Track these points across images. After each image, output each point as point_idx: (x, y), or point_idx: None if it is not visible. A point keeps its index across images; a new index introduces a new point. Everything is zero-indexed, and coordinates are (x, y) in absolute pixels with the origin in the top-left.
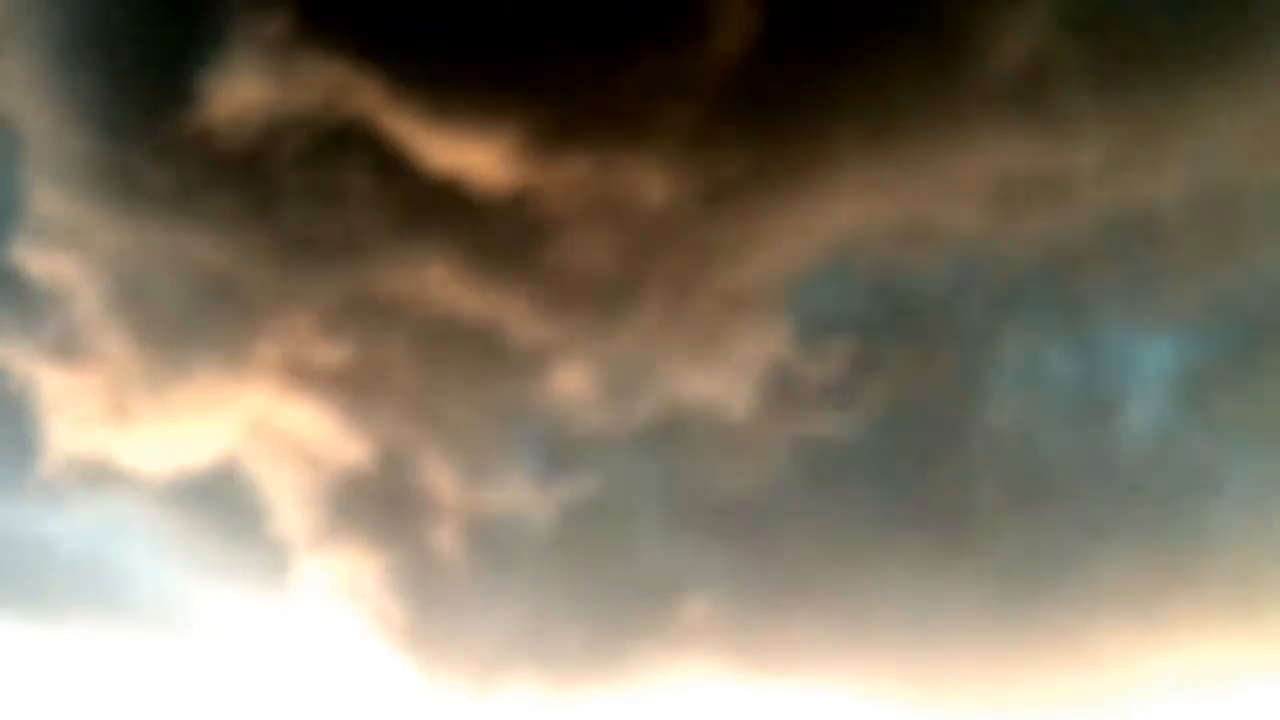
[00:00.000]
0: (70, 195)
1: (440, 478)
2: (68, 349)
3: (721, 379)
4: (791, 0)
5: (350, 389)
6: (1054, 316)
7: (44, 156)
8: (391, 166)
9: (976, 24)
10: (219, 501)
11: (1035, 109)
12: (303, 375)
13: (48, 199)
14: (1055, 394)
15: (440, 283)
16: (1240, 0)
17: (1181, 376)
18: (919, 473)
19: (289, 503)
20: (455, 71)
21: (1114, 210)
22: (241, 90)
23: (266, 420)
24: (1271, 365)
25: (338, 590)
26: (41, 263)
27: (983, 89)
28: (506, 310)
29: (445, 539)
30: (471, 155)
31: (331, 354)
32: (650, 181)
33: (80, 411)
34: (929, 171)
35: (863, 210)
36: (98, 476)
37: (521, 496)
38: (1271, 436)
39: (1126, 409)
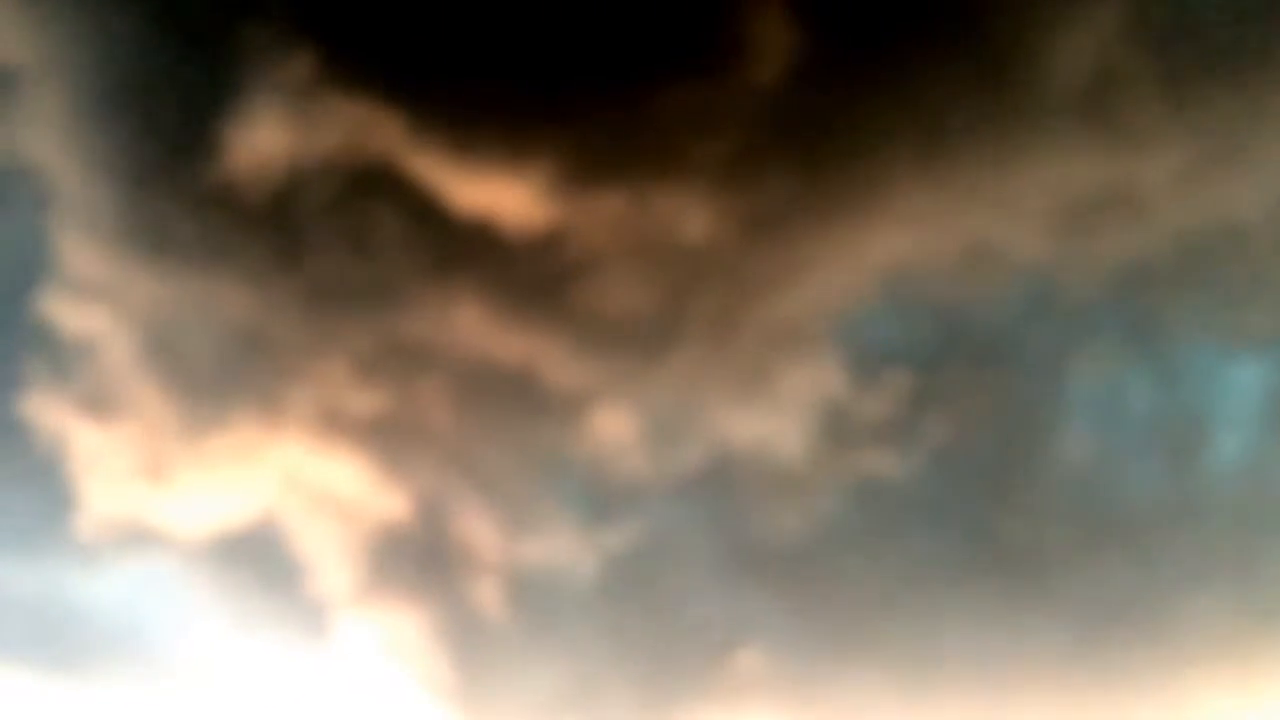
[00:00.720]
0: (98, 248)
1: (480, 529)
2: (99, 404)
3: (770, 419)
4: (834, 20)
5: (385, 439)
6: (1130, 343)
7: (71, 208)
8: (420, 209)
9: (1035, 37)
10: (256, 559)
11: (1103, 122)
12: (337, 426)
13: (76, 251)
14: (1134, 426)
15: (474, 327)
16: None
17: (1272, 402)
18: (986, 514)
19: (327, 558)
20: (482, 109)
21: (1192, 226)
22: (266, 138)
23: (302, 474)
24: None
25: (380, 648)
26: (71, 316)
27: (1045, 104)
28: (543, 354)
29: (487, 592)
30: (501, 194)
31: (365, 403)
32: (689, 215)
33: (114, 469)
34: (989, 193)
35: (918, 236)
36: (133, 536)
37: (564, 547)
38: None
39: (1213, 439)
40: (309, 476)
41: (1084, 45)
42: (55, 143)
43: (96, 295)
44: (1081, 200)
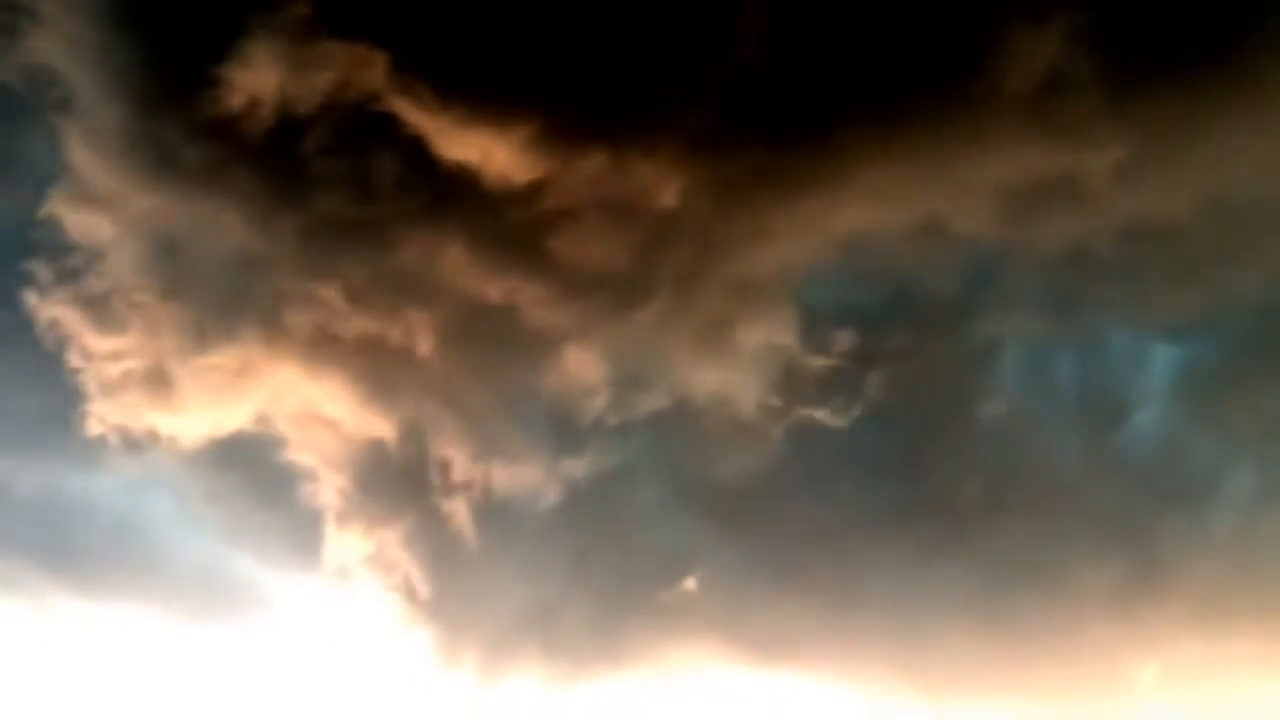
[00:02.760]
0: (107, 160)
1: (455, 454)
2: (103, 308)
3: (726, 369)
4: (809, 8)
5: (372, 366)
6: (1061, 320)
7: (84, 119)
8: (410, 153)
9: (992, 36)
10: (249, 468)
11: (1050, 117)
12: (329, 349)
13: (86, 160)
14: (1058, 397)
15: (458, 267)
16: (1251, 15)
17: (1185, 382)
18: (915, 468)
19: (316, 471)
20: (474, 66)
21: (1126, 217)
22: (266, 75)
23: (295, 391)
24: (1275, 367)
25: (361, 557)
26: (78, 219)
27: (998, 97)
28: (521, 295)
29: (460, 513)
30: (486, 147)
31: (356, 330)
32: (663, 178)
33: (116, 373)
34: (943, 174)
35: (874, 209)
36: (133, 439)
37: (531, 475)
38: (1272, 440)
39: (1129, 415)
40: (301, 394)
41: (1036, 47)
42: (73, 55)
43: (103, 204)
44: (1027, 186)
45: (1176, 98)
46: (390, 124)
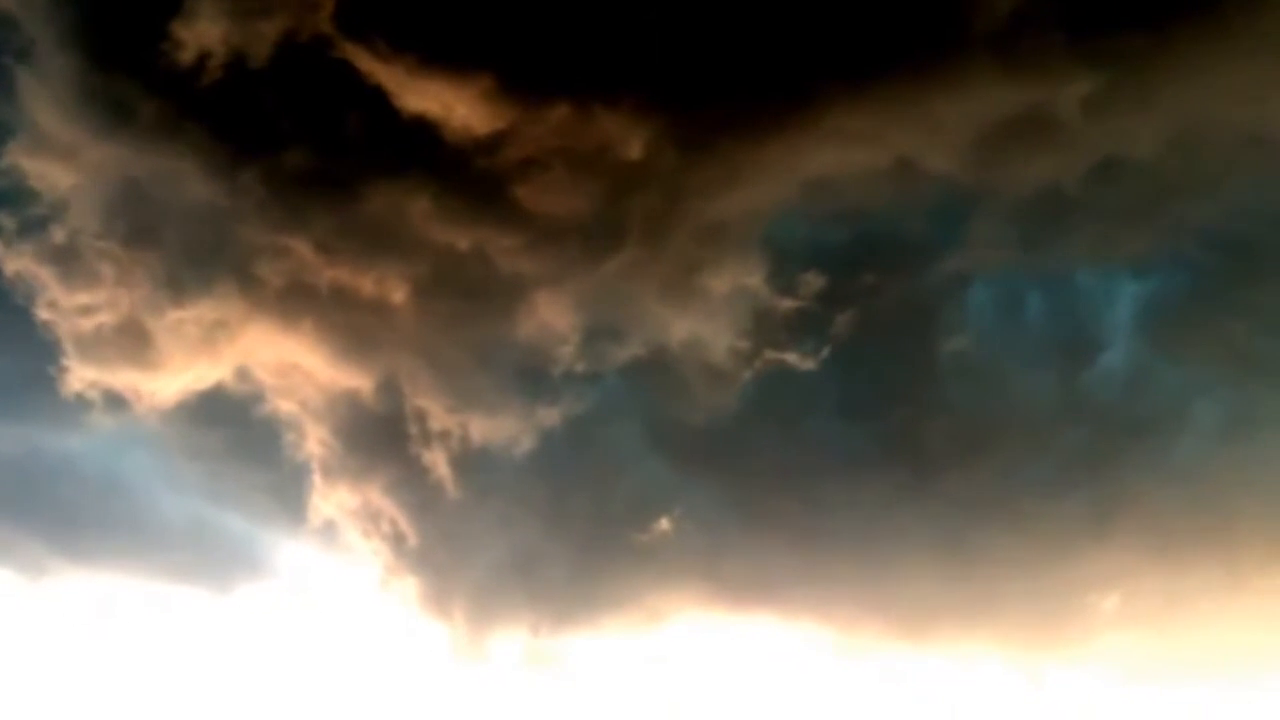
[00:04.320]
0: (65, 110)
1: (431, 405)
2: (71, 260)
3: (695, 313)
4: None
5: (346, 318)
6: (1030, 257)
7: (41, 67)
8: (370, 104)
9: None
10: (228, 423)
11: (1016, 55)
12: (303, 303)
13: (44, 109)
14: (1027, 336)
15: (426, 218)
16: None
17: (1151, 315)
18: (887, 407)
19: (295, 425)
20: (422, 11)
21: (1089, 153)
22: (212, 27)
23: (270, 345)
24: (1238, 301)
25: (343, 510)
26: (39, 168)
27: (965, 36)
28: (490, 245)
29: (439, 464)
30: (447, 98)
31: (327, 282)
32: (627, 126)
33: (90, 330)
34: (910, 114)
35: (841, 151)
36: (111, 397)
37: (507, 424)
38: (1235, 373)
39: (1098, 351)
40: (277, 347)
41: None
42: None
43: (64, 155)
44: (993, 125)
45: (1142, 34)
46: (347, 75)
